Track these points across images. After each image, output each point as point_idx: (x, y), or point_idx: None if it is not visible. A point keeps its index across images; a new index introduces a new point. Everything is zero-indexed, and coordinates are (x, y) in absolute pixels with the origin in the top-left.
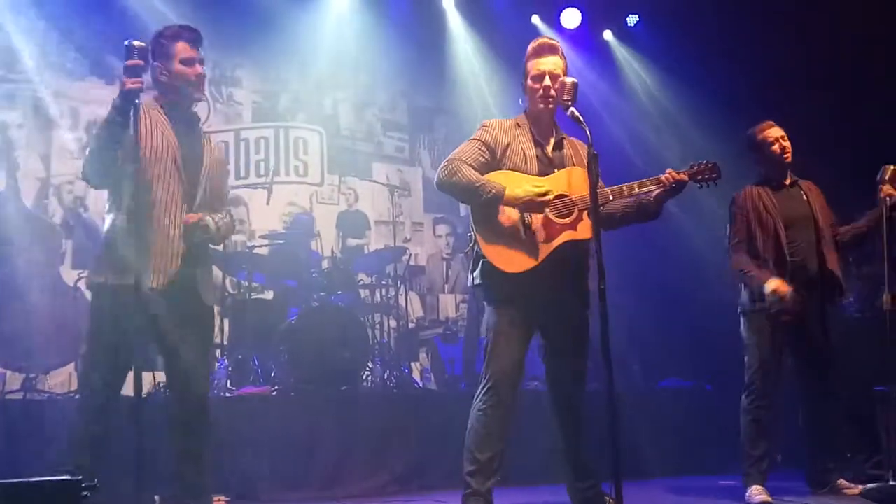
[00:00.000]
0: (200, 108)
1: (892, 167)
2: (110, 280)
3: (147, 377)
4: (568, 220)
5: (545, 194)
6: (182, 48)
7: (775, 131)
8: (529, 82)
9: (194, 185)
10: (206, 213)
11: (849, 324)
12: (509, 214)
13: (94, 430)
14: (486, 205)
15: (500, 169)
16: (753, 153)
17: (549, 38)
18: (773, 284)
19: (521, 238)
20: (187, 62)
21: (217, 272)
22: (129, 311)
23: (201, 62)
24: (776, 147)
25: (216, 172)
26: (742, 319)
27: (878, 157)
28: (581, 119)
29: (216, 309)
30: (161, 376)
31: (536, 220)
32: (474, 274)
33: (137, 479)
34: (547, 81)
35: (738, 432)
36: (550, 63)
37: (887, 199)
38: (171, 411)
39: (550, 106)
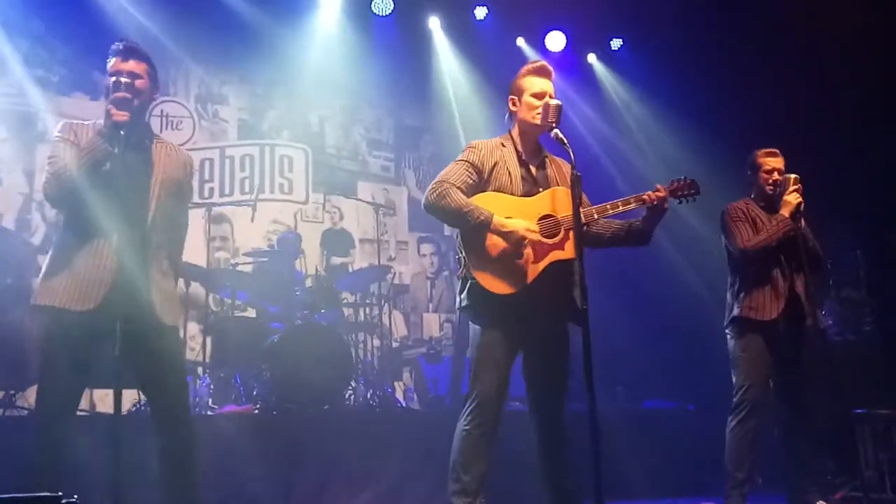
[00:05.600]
0: (186, 127)
1: (793, 176)
2: (42, 301)
3: (128, 394)
4: (555, 240)
5: (530, 233)
6: (114, 63)
7: (774, 161)
8: (530, 98)
9: (141, 208)
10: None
11: (828, 346)
12: (498, 237)
13: (45, 452)
14: (473, 230)
15: (487, 189)
16: (748, 171)
17: (546, 63)
18: (788, 206)
19: (510, 260)
20: (113, 73)
21: (200, 289)
22: (72, 334)
23: (126, 79)
24: (768, 177)
25: (170, 189)
26: (730, 339)
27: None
28: (565, 141)
29: (198, 327)
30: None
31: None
32: (462, 295)
33: (115, 498)
34: (548, 100)
35: (720, 452)
36: (549, 85)
37: (796, 206)
38: (155, 434)
39: (542, 125)
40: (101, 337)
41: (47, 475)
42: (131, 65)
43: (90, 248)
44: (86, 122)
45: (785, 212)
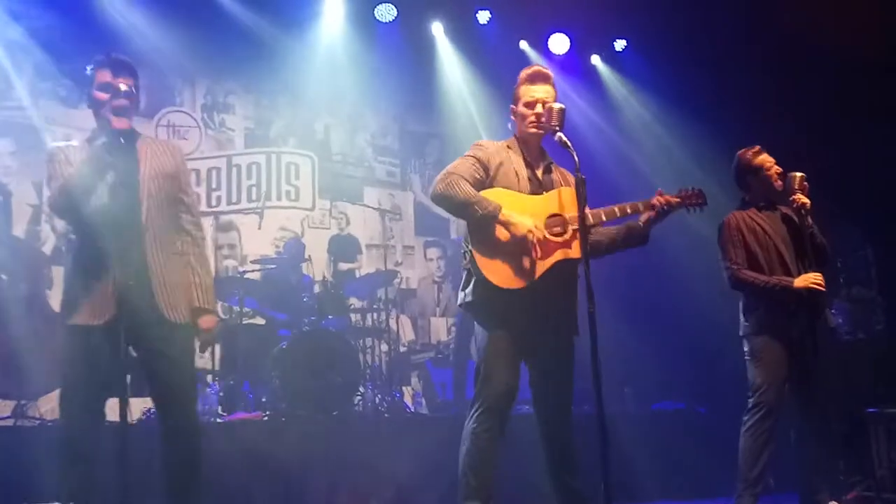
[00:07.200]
0: (192, 136)
1: (799, 175)
2: (68, 320)
3: (137, 403)
4: (562, 238)
5: (535, 232)
6: (101, 75)
7: (769, 157)
8: (522, 108)
9: (133, 207)
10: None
11: (840, 346)
12: (505, 230)
13: (75, 466)
14: (480, 221)
15: (492, 187)
16: (746, 175)
17: (543, 67)
18: (803, 282)
19: (517, 254)
20: (102, 88)
21: None
22: (93, 348)
23: (125, 87)
24: (773, 172)
25: (162, 184)
26: (745, 342)
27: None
28: (569, 144)
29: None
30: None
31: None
32: (466, 290)
33: None
34: (539, 109)
35: (731, 454)
36: (543, 91)
37: (802, 206)
38: (160, 443)
39: (540, 132)
40: (120, 345)
41: (69, 488)
42: (121, 80)
43: (95, 257)
44: (70, 144)
45: (798, 284)
